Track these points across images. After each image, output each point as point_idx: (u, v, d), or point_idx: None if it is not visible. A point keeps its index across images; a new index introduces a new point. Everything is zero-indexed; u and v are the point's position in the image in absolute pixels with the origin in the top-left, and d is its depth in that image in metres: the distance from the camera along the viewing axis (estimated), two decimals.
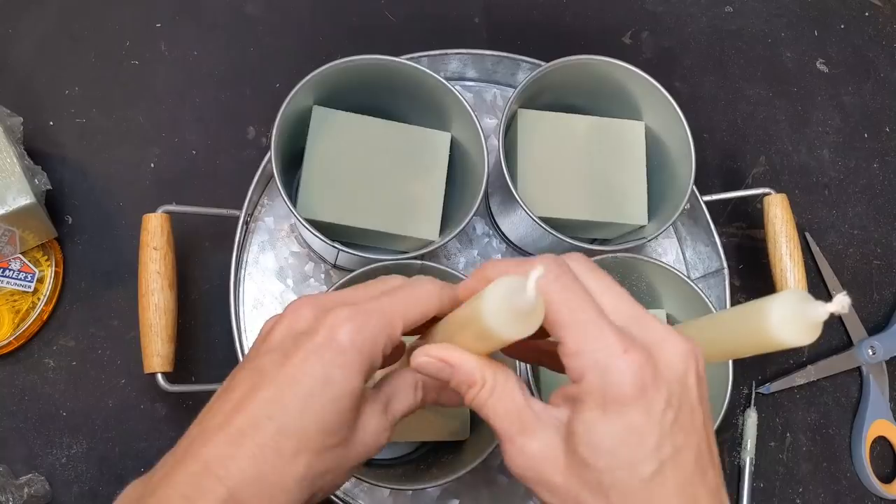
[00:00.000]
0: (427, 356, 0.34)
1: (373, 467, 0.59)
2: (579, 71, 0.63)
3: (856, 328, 0.73)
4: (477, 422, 0.57)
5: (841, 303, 0.31)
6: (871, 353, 0.71)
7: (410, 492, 0.61)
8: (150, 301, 0.56)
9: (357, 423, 0.34)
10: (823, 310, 0.32)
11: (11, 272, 0.60)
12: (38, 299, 0.60)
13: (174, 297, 0.57)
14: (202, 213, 0.61)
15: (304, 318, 0.34)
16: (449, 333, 0.36)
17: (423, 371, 0.35)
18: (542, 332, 0.33)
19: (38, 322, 0.60)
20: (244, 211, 0.61)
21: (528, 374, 0.56)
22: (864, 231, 0.77)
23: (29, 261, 0.61)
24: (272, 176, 0.58)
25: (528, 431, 0.32)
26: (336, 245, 0.55)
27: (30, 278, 0.60)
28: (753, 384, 0.70)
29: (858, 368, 0.72)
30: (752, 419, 0.68)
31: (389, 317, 0.34)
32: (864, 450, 0.69)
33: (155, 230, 0.57)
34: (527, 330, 0.31)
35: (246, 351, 0.60)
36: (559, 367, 0.34)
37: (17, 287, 0.60)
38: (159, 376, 0.56)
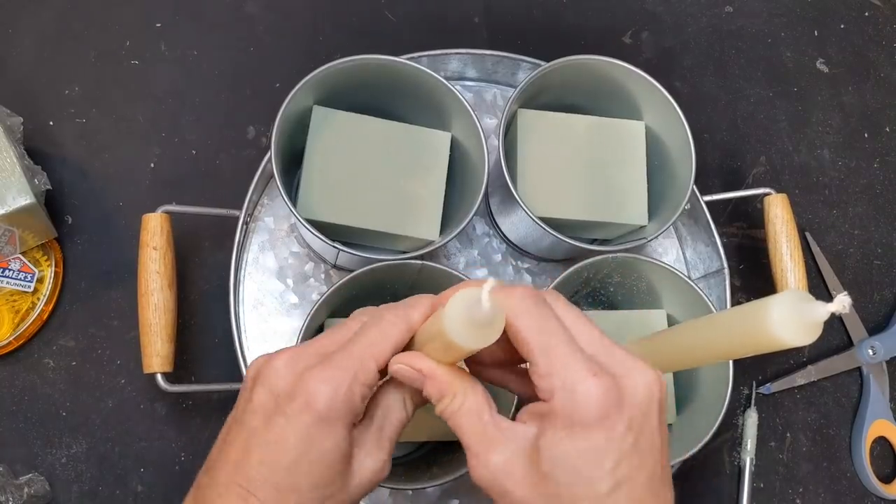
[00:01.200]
0: (401, 364, 0.36)
1: None
2: (579, 71, 0.63)
3: (856, 328, 0.73)
4: None
5: (841, 302, 0.31)
6: (871, 353, 0.71)
7: (410, 491, 0.61)
8: (150, 301, 0.56)
9: (351, 467, 0.36)
10: (824, 310, 0.32)
11: (11, 272, 0.60)
12: (38, 299, 0.60)
13: (174, 297, 0.57)
14: (202, 213, 0.61)
15: (282, 379, 0.35)
16: (420, 344, 0.37)
17: (397, 377, 0.37)
18: (508, 356, 0.36)
19: (38, 322, 0.60)
20: (244, 211, 0.61)
21: None
22: (864, 231, 0.77)
23: (29, 261, 0.61)
24: (272, 176, 0.58)
25: (492, 447, 0.35)
26: (336, 245, 0.55)
27: (29, 278, 0.60)
28: (754, 384, 0.69)
29: (859, 369, 0.72)
30: (752, 419, 0.68)
31: (362, 364, 0.36)
32: (864, 450, 0.69)
33: (155, 230, 0.57)
34: (487, 339, 0.33)
35: (246, 352, 0.60)
36: (523, 390, 0.37)
37: (16, 287, 0.60)
38: (159, 376, 0.56)
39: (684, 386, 0.61)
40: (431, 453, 0.60)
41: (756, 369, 0.70)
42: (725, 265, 0.66)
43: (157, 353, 0.56)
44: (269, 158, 0.55)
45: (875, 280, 0.76)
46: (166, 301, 0.57)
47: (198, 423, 0.61)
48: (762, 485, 0.68)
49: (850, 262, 0.76)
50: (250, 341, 0.62)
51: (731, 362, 0.57)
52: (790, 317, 0.33)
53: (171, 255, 0.58)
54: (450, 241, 0.57)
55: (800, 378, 0.70)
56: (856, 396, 0.72)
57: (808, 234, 0.75)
